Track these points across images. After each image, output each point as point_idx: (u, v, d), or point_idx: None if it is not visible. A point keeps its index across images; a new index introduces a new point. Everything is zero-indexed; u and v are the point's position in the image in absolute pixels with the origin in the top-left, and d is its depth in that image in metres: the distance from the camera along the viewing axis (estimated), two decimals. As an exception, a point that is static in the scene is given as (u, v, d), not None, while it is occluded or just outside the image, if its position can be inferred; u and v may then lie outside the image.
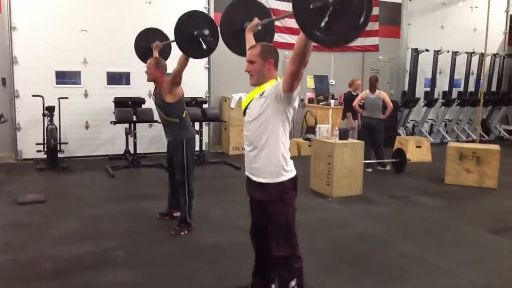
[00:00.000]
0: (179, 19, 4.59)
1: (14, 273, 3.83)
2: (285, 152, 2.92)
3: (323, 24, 2.25)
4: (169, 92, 4.72)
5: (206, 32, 4.37)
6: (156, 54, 5.41)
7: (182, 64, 4.63)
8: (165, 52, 5.63)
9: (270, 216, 2.94)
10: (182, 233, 4.78)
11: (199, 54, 4.64)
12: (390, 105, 8.04)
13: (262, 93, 2.90)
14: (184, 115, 4.85)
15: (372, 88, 8.12)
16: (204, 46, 4.44)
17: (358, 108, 8.31)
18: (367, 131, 8.10)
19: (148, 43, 5.65)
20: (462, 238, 4.95)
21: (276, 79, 2.95)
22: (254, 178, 2.98)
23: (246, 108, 3.02)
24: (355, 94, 8.51)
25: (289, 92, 2.74)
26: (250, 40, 3.42)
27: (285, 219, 2.92)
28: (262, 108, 2.86)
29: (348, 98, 8.52)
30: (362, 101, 8.28)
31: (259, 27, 3.51)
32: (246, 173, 3.07)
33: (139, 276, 3.83)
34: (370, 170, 7.94)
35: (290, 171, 2.93)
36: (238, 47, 3.69)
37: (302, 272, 2.94)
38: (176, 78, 4.67)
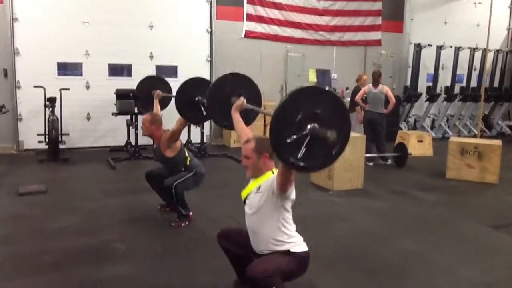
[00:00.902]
0: (181, 86, 4.60)
1: (13, 266, 3.84)
2: (289, 238, 2.98)
3: (300, 155, 2.44)
4: (167, 148, 4.78)
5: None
6: (156, 103, 5.70)
7: (181, 126, 4.72)
8: (164, 103, 6.07)
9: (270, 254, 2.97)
10: (183, 224, 4.80)
11: (198, 119, 4.78)
12: (393, 99, 8.01)
13: (259, 188, 2.99)
14: (187, 162, 4.89)
15: (375, 82, 8.08)
16: (204, 112, 4.43)
17: (361, 102, 8.29)
18: (369, 125, 8.10)
19: (150, 89, 6.02)
20: (462, 234, 4.94)
21: (272, 171, 3.02)
22: (259, 253, 3.04)
23: (245, 198, 3.11)
24: (362, 88, 8.51)
25: (283, 193, 2.84)
26: (237, 120, 3.45)
27: (282, 261, 2.90)
28: (260, 203, 2.96)
29: (356, 93, 8.50)
30: (365, 95, 8.26)
31: (244, 108, 3.50)
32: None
33: (139, 269, 3.84)
34: (371, 164, 7.94)
35: (297, 247, 2.98)
36: (222, 119, 3.73)
37: (280, 282, 2.84)
38: (174, 136, 4.75)
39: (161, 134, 4.86)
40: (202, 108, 4.39)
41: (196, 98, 4.39)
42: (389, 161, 8.12)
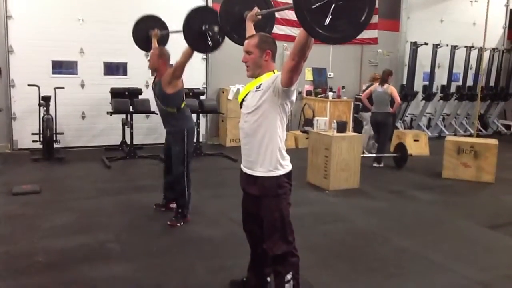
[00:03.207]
0: (189, 12, 4.45)
1: (6, 266, 3.79)
2: (282, 146, 2.88)
3: (327, 22, 2.23)
4: (169, 83, 4.69)
5: (216, 29, 4.28)
6: (154, 42, 5.38)
7: (186, 57, 4.61)
8: (163, 41, 5.57)
9: (265, 212, 2.90)
10: (178, 224, 4.76)
11: (204, 49, 4.62)
12: (398, 100, 7.97)
13: (259, 86, 2.85)
14: (182, 105, 4.82)
15: (383, 82, 8.01)
16: (210, 43, 4.36)
17: (367, 101, 8.27)
18: (375, 126, 8.06)
19: (146, 31, 5.65)
20: (459, 233, 4.94)
21: (274, 72, 2.90)
22: (249, 172, 2.95)
23: (242, 100, 2.97)
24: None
25: (288, 87, 2.69)
26: (250, 29, 3.35)
27: (280, 215, 2.88)
28: (259, 102, 2.82)
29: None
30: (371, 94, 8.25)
31: (259, 17, 3.44)
32: (242, 166, 3.03)
33: (134, 269, 3.81)
34: (379, 165, 7.91)
35: (285, 166, 2.90)
36: (237, 37, 3.63)
37: (298, 266, 2.92)
38: (178, 71, 4.64)
39: (166, 70, 4.81)
40: (209, 38, 4.35)
41: (203, 27, 4.32)
42: (382, 164, 8.04)
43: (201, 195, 5.65)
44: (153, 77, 5.03)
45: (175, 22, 9.43)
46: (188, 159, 4.81)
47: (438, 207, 5.88)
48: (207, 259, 3.96)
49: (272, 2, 3.83)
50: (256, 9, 3.41)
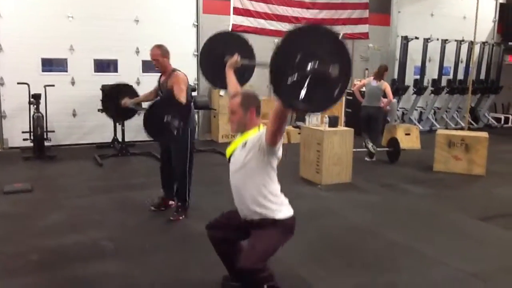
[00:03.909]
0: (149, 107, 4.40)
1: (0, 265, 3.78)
2: (274, 197, 2.92)
3: (302, 96, 2.34)
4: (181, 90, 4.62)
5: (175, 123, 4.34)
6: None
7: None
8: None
9: (256, 232, 2.89)
10: (180, 218, 4.84)
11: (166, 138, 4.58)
12: (390, 97, 7.96)
13: (245, 143, 2.91)
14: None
15: (378, 77, 8.01)
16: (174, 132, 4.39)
17: (359, 94, 8.28)
18: (365, 120, 8.05)
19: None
20: (451, 226, 4.97)
21: (259, 127, 2.95)
22: (244, 218, 2.99)
23: (230, 156, 3.03)
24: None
25: (273, 146, 2.76)
26: (230, 77, 3.40)
27: (270, 241, 2.85)
28: (246, 159, 2.88)
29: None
30: (363, 88, 8.26)
31: (239, 65, 3.46)
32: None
33: (128, 267, 3.80)
34: (370, 159, 7.94)
35: (283, 212, 2.92)
36: (217, 80, 3.68)
37: (271, 277, 2.86)
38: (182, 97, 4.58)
39: (171, 66, 4.82)
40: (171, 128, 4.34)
41: (165, 119, 4.29)
42: (374, 159, 8.06)
43: (194, 191, 5.63)
44: (159, 76, 5.01)
45: (166, 20, 9.44)
46: (191, 157, 4.91)
47: (430, 200, 5.92)
48: (201, 255, 3.96)
49: (253, 51, 3.81)
50: (236, 57, 3.43)
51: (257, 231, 2.88)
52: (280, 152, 2.88)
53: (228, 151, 3.07)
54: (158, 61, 4.80)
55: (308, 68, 2.33)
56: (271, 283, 2.83)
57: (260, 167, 2.85)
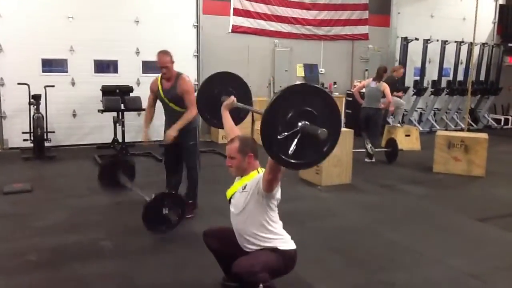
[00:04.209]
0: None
1: (-1, 264, 3.78)
2: (275, 236, 2.97)
3: (290, 151, 2.44)
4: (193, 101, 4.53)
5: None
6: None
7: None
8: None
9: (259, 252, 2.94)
10: (192, 215, 4.95)
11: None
12: (389, 98, 7.97)
13: (245, 187, 2.97)
14: None
15: (378, 78, 8.02)
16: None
17: (358, 95, 8.29)
18: (365, 121, 8.05)
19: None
20: (449, 226, 4.97)
21: (258, 171, 3.00)
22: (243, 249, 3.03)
23: (230, 198, 3.09)
24: (397, 79, 9.13)
25: (269, 192, 2.82)
26: (226, 117, 3.44)
27: (270, 258, 2.89)
28: (245, 202, 2.95)
29: (391, 81, 8.71)
30: (363, 90, 8.28)
31: (234, 106, 3.50)
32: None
33: (127, 266, 3.81)
34: (370, 160, 7.95)
35: (285, 245, 2.97)
36: (215, 120, 3.71)
37: (266, 277, 2.85)
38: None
39: (175, 71, 4.80)
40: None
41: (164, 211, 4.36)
42: (373, 159, 8.06)
43: (193, 192, 5.64)
44: (157, 82, 4.95)
45: (166, 21, 9.44)
46: (199, 155, 5.07)
47: (429, 201, 5.92)
48: (199, 255, 3.96)
49: (248, 86, 3.83)
50: (232, 99, 3.46)
51: (257, 251, 2.95)
52: (278, 194, 2.95)
53: (229, 193, 3.13)
54: (168, 68, 4.70)
55: (299, 126, 2.44)
56: (266, 284, 2.84)
57: (260, 209, 2.93)
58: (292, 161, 2.47)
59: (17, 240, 4.29)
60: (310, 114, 2.45)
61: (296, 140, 2.44)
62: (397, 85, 9.09)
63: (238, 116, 3.63)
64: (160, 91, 4.89)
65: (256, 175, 2.96)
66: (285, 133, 2.42)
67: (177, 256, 4.00)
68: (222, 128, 3.49)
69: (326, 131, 2.40)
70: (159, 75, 4.85)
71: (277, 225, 3.01)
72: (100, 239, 4.33)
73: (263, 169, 2.85)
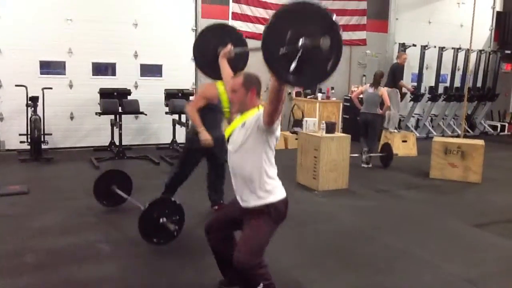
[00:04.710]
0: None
1: (-5, 266, 3.77)
2: (271, 179, 2.94)
3: (291, 69, 2.37)
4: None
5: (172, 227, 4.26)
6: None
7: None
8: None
9: (252, 223, 2.90)
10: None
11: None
12: (388, 103, 8.02)
13: (244, 124, 2.94)
14: None
15: (376, 84, 8.07)
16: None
17: (357, 101, 8.32)
18: (363, 126, 8.10)
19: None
20: (446, 231, 4.98)
21: (258, 108, 2.98)
22: (243, 205, 2.99)
23: (229, 137, 3.06)
24: (402, 65, 9.55)
25: (270, 126, 2.79)
26: (224, 66, 3.46)
27: (264, 231, 2.89)
28: (244, 139, 2.91)
29: (395, 69, 9.32)
30: (361, 95, 8.32)
31: (232, 54, 3.51)
32: (236, 197, 3.08)
33: (123, 268, 3.81)
34: (367, 166, 7.97)
35: (277, 194, 2.95)
36: (212, 71, 3.74)
37: (268, 275, 2.87)
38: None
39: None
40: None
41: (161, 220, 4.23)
42: (370, 165, 8.09)
43: (192, 194, 5.64)
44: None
45: (164, 24, 9.47)
46: None
47: (425, 206, 5.93)
48: (197, 258, 3.97)
49: (245, 39, 3.86)
50: (229, 47, 3.49)
51: (250, 223, 2.90)
52: (278, 132, 2.91)
53: (227, 132, 3.09)
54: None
55: (300, 43, 2.38)
56: (266, 282, 2.84)
57: (259, 146, 2.88)
58: (295, 78, 2.43)
59: (14, 242, 4.27)
60: (309, 31, 2.40)
61: (298, 56, 2.37)
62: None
63: (236, 67, 3.60)
64: (223, 95, 4.68)
65: (257, 112, 2.92)
66: (285, 50, 2.37)
67: (174, 258, 4.00)
68: (221, 78, 3.48)
69: (329, 40, 2.35)
70: (213, 81, 4.66)
71: (273, 169, 2.97)
72: (97, 241, 4.33)
73: (263, 107, 2.83)
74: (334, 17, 2.47)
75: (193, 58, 3.92)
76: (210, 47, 3.70)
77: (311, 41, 2.37)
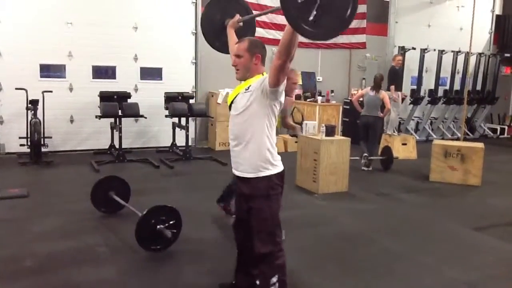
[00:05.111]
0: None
1: (-6, 269, 3.77)
2: (271, 147, 2.90)
3: (311, 17, 2.28)
4: None
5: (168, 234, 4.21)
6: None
7: None
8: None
9: (255, 212, 2.90)
10: None
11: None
12: (388, 106, 8.02)
13: (248, 88, 2.88)
14: None
15: (376, 87, 8.08)
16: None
17: (357, 104, 8.33)
18: (364, 128, 8.10)
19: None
20: (445, 235, 4.98)
21: (263, 74, 2.93)
22: (238, 173, 2.96)
23: (232, 102, 3.00)
24: (398, 68, 9.61)
25: (275, 87, 2.73)
26: (232, 36, 3.44)
27: (270, 215, 2.89)
28: (248, 102, 2.84)
29: (390, 72, 9.35)
30: (361, 98, 8.32)
31: (241, 24, 3.50)
32: (233, 169, 3.04)
33: (122, 272, 3.80)
34: (367, 169, 7.97)
35: (276, 166, 2.91)
36: (220, 44, 3.72)
37: (284, 269, 2.91)
38: None
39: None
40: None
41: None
42: (371, 168, 8.09)
43: (190, 198, 5.65)
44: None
45: (164, 27, 9.49)
46: None
47: (425, 209, 5.93)
48: (196, 262, 3.96)
49: (251, 8, 3.87)
50: (237, 17, 3.48)
51: (252, 212, 2.90)
52: (282, 98, 2.86)
53: (230, 97, 3.04)
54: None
55: None
56: (282, 277, 2.86)
57: (262, 110, 2.83)
58: (312, 29, 2.32)
59: (13, 245, 4.27)
60: None
61: (317, 5, 2.28)
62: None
63: (245, 35, 3.51)
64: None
65: (261, 77, 2.88)
66: None
67: (174, 262, 4.00)
68: (228, 52, 3.43)
69: None
70: None
71: (273, 139, 2.92)
72: (97, 245, 4.32)
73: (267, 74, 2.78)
74: None
75: (201, 31, 3.87)
76: (217, 18, 3.70)
77: None
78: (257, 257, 2.89)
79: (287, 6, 2.31)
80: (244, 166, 2.91)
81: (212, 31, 3.74)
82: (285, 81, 2.77)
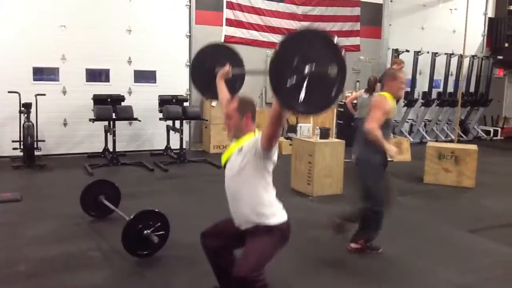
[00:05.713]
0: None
1: (-14, 274, 3.73)
2: (269, 203, 2.92)
3: (300, 100, 2.39)
4: None
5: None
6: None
7: None
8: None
9: (252, 239, 2.86)
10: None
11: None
12: None
13: (241, 149, 2.91)
14: None
15: (371, 90, 8.08)
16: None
17: (351, 106, 8.33)
18: (357, 131, 8.09)
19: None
20: (440, 237, 4.99)
21: (254, 133, 2.96)
22: (238, 226, 2.96)
23: (226, 162, 3.02)
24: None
25: (268, 150, 2.77)
26: (221, 87, 3.43)
27: (266, 247, 2.84)
28: (242, 164, 2.87)
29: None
30: (355, 101, 8.33)
31: (231, 75, 3.49)
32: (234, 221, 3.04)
33: (116, 277, 3.78)
34: None
35: (277, 217, 2.92)
36: (210, 94, 3.70)
37: (266, 286, 2.81)
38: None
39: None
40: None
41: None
42: None
43: (184, 201, 5.63)
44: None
45: (158, 30, 9.46)
46: None
47: (419, 211, 5.94)
48: (189, 265, 3.94)
49: (243, 60, 3.83)
50: (227, 67, 3.46)
51: (252, 239, 2.86)
52: (275, 157, 2.89)
53: (224, 157, 3.05)
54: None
55: (306, 71, 2.39)
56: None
57: (256, 171, 2.85)
58: (303, 108, 2.44)
59: (6, 250, 4.23)
60: (315, 57, 2.40)
61: (305, 86, 2.39)
62: None
63: (233, 87, 3.59)
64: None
65: (253, 137, 2.90)
66: (294, 81, 2.38)
67: (167, 266, 3.98)
68: (217, 98, 3.46)
69: (336, 66, 2.37)
70: (384, 93, 4.52)
71: (272, 193, 2.94)
72: (90, 249, 4.30)
73: (260, 132, 2.81)
74: (336, 40, 2.50)
75: (191, 77, 3.86)
76: (207, 67, 3.67)
77: (319, 68, 2.39)
78: (238, 281, 2.74)
79: (278, 91, 2.42)
80: (244, 220, 2.93)
81: (202, 82, 3.74)
82: (277, 142, 2.81)
